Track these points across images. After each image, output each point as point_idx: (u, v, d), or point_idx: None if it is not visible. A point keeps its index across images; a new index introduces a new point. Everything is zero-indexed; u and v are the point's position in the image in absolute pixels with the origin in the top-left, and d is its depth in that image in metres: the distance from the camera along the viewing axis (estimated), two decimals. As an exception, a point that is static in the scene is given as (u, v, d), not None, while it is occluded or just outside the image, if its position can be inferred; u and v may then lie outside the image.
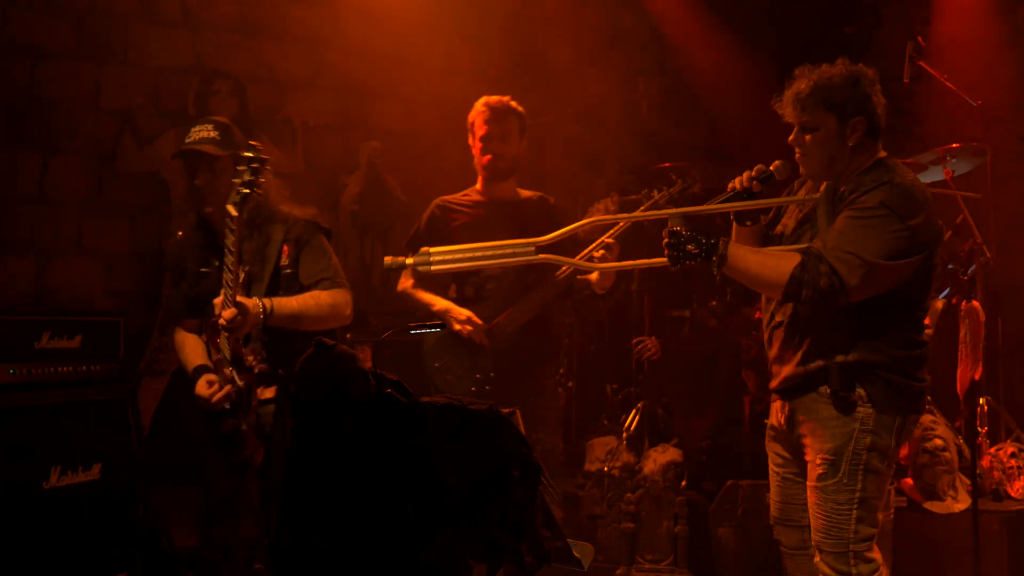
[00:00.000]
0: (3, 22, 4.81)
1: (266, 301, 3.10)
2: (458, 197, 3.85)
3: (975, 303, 4.29)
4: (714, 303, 5.26)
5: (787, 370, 2.79)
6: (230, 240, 3.04)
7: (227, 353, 3.15)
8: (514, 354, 3.66)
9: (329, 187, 5.74)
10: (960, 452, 4.19)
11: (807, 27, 6.27)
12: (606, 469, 4.54)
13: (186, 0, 5.34)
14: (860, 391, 2.66)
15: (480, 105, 3.77)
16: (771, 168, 2.78)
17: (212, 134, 3.21)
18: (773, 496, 2.96)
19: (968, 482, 3.96)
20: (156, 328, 4.87)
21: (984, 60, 5.80)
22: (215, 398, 3.14)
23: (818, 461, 2.70)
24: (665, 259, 2.67)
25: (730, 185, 2.81)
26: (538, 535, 2.04)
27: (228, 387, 3.14)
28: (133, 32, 5.18)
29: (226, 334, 3.10)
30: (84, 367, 3.67)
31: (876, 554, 2.72)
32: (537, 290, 3.70)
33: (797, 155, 2.79)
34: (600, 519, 4.41)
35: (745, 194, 2.78)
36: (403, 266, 2.81)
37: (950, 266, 4.35)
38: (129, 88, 5.12)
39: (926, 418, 4.18)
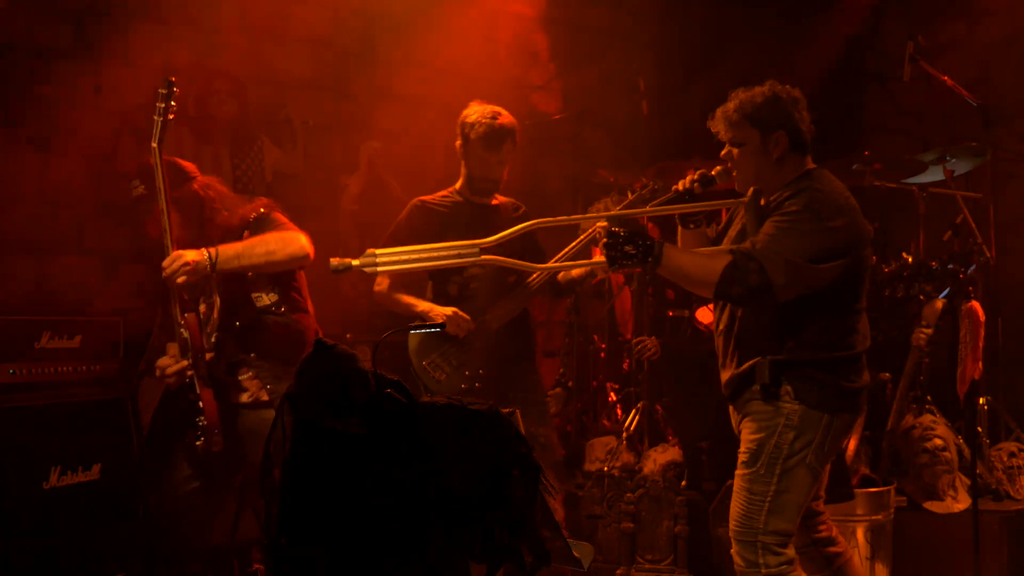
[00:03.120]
0: (3, 22, 4.81)
1: (210, 249, 3.14)
2: (437, 198, 3.88)
3: (975, 303, 4.29)
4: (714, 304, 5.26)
5: (728, 373, 2.94)
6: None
7: (184, 332, 3.16)
8: (501, 350, 3.73)
9: (329, 187, 5.73)
10: (960, 452, 4.19)
11: (807, 27, 6.28)
12: (606, 469, 4.54)
13: (186, 0, 5.34)
14: (787, 387, 2.79)
15: (489, 119, 3.73)
16: (712, 173, 3.00)
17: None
18: None
19: (968, 482, 3.96)
20: (156, 328, 4.86)
21: (984, 60, 5.80)
22: (169, 370, 3.17)
23: (742, 450, 2.85)
24: (604, 260, 2.81)
25: (673, 188, 3.02)
26: (538, 535, 2.05)
27: (183, 363, 3.16)
28: (133, 32, 5.17)
29: (183, 315, 3.12)
30: (84, 367, 3.67)
31: (789, 551, 2.80)
32: (519, 289, 3.78)
33: (731, 168, 3.00)
34: (600, 519, 4.41)
35: (687, 196, 2.99)
36: (349, 267, 2.85)
37: (950, 266, 4.35)
38: (129, 88, 5.11)
39: (926, 418, 4.18)
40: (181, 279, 3.11)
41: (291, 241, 3.26)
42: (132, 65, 5.16)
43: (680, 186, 3.00)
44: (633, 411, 5.03)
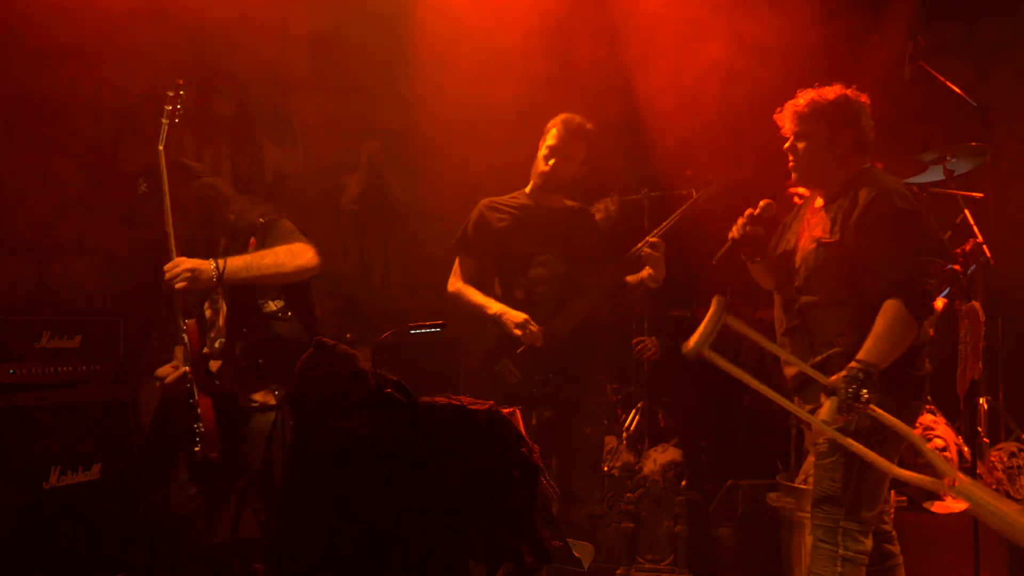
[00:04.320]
0: (3, 22, 4.80)
1: (219, 261, 3.14)
2: (505, 199, 3.93)
3: (975, 303, 4.29)
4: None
5: (795, 369, 3.02)
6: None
7: (185, 338, 3.16)
8: (568, 355, 3.74)
9: (329, 187, 5.73)
10: (960, 452, 4.19)
11: (807, 27, 6.27)
12: (606, 469, 4.54)
13: (186, 0, 5.34)
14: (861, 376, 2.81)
15: (562, 118, 3.85)
16: (757, 212, 3.11)
17: None
18: None
19: (968, 482, 3.96)
20: (156, 328, 4.86)
21: (984, 60, 5.80)
22: (169, 379, 3.17)
23: (820, 440, 2.91)
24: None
25: (729, 236, 3.13)
26: (538, 535, 2.05)
27: (184, 370, 3.16)
28: (133, 32, 5.17)
29: (187, 328, 3.12)
30: (84, 367, 3.67)
31: (868, 541, 2.87)
32: (586, 294, 3.80)
33: (790, 162, 3.10)
34: (600, 519, 4.41)
35: (742, 240, 3.12)
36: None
37: (950, 266, 4.35)
38: (129, 88, 5.11)
39: (926, 418, 4.18)
40: (180, 285, 3.10)
41: (299, 254, 3.25)
42: (132, 65, 5.16)
43: (736, 233, 3.11)
44: (633, 411, 5.02)
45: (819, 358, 2.94)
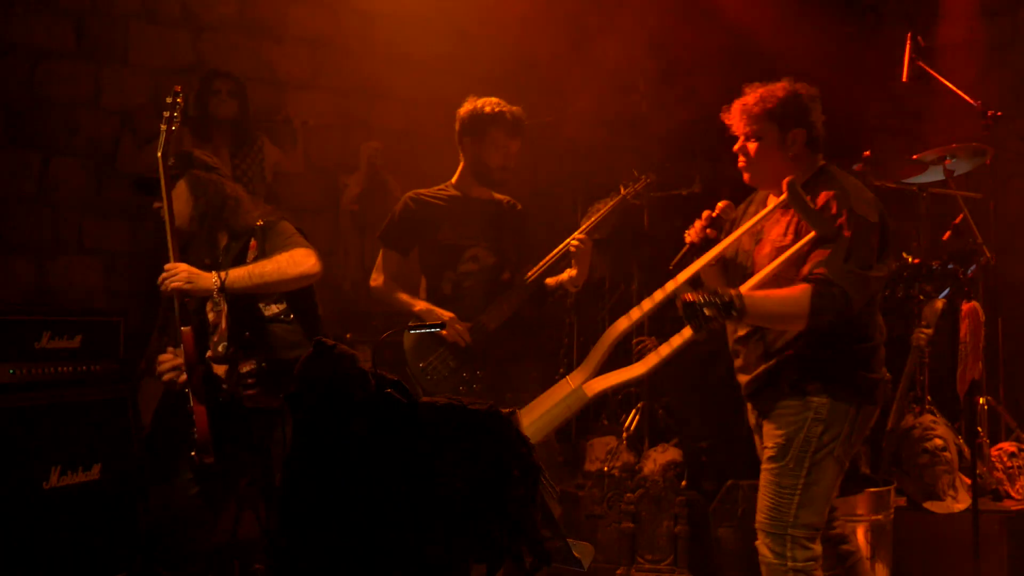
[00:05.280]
0: (3, 22, 4.81)
1: (221, 273, 3.13)
2: (433, 191, 3.86)
3: (975, 303, 4.29)
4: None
5: (751, 375, 2.94)
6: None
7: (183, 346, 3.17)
8: (496, 351, 3.71)
9: (329, 187, 5.74)
10: (960, 452, 4.19)
11: (806, 27, 6.27)
12: (606, 469, 4.54)
13: (186, 0, 5.34)
14: (815, 381, 2.80)
15: (499, 109, 3.75)
16: (716, 214, 3.02)
17: None
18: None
19: (968, 482, 3.96)
20: (156, 328, 4.86)
21: (984, 60, 5.80)
22: (162, 367, 3.17)
23: (769, 444, 2.86)
24: (689, 330, 2.79)
25: (688, 238, 3.02)
26: (538, 535, 2.05)
27: (178, 361, 3.16)
28: (133, 32, 5.18)
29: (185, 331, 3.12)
30: (84, 367, 3.67)
31: (816, 546, 2.81)
32: (513, 288, 3.77)
33: (741, 163, 2.99)
34: (600, 519, 4.40)
35: (704, 244, 2.99)
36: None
37: (950, 266, 4.35)
38: (129, 88, 5.12)
39: (926, 418, 4.18)
40: (174, 285, 3.10)
41: (301, 261, 3.23)
42: (132, 65, 5.16)
43: (695, 237, 3.00)
44: (633, 411, 5.02)
45: (772, 362, 2.87)
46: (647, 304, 3.06)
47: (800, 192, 2.79)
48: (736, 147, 2.98)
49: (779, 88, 2.92)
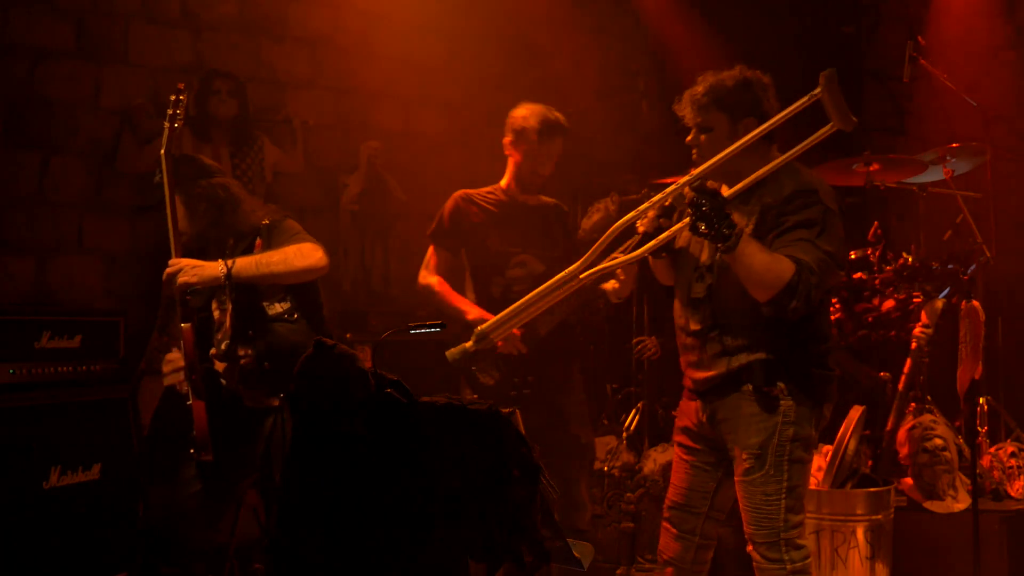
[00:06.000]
0: (3, 22, 4.80)
1: (228, 261, 3.13)
2: (482, 192, 3.84)
3: (975, 303, 4.28)
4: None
5: (707, 373, 2.85)
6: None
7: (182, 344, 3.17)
8: (547, 355, 3.69)
9: (329, 187, 5.73)
10: (960, 452, 4.19)
11: (806, 27, 6.27)
12: (606, 469, 4.54)
13: (186, 0, 5.34)
14: (781, 385, 2.75)
15: (544, 115, 3.74)
16: (668, 203, 2.86)
17: None
18: (676, 482, 3.00)
19: (968, 482, 3.96)
20: (156, 328, 4.87)
21: (984, 60, 5.80)
22: (168, 368, 3.17)
23: (744, 456, 2.79)
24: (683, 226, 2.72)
25: (640, 228, 2.87)
26: (538, 535, 2.05)
27: (180, 364, 3.16)
28: (133, 32, 5.17)
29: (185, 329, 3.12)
30: (84, 367, 3.67)
31: (806, 541, 2.82)
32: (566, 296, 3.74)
33: (694, 155, 2.88)
34: (600, 519, 4.40)
35: (655, 234, 2.85)
36: (467, 352, 2.91)
37: (950, 266, 4.35)
38: (129, 88, 5.11)
39: (926, 418, 4.17)
40: (183, 279, 3.11)
41: (308, 254, 3.23)
42: (132, 65, 5.16)
43: (648, 227, 2.86)
44: (633, 411, 5.02)
45: (738, 364, 2.77)
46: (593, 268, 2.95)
47: (836, 83, 2.69)
48: (688, 139, 2.89)
49: (728, 76, 2.82)
